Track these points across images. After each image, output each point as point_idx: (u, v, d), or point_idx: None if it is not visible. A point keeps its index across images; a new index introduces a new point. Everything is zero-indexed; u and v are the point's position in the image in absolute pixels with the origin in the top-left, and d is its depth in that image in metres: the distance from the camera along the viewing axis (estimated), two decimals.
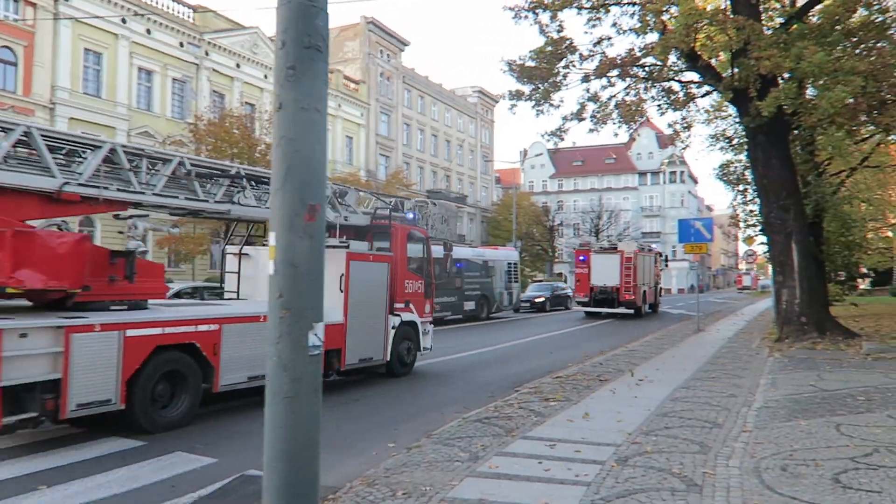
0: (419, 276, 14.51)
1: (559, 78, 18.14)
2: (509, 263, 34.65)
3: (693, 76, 19.07)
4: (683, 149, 19.78)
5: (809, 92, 16.82)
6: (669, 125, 19.48)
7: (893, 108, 15.77)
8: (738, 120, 23.64)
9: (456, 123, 74.59)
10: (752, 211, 23.65)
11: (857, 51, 15.78)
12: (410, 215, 15.05)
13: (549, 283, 47.48)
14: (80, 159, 9.22)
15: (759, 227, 21.09)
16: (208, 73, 41.59)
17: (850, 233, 23.50)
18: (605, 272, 33.64)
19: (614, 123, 17.85)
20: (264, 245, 13.18)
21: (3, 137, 8.41)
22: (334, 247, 12.27)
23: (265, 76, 45.11)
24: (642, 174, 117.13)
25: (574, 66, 18.16)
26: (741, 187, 23.83)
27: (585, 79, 18.18)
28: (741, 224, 25.60)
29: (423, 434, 8.67)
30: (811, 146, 21.03)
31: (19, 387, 7.53)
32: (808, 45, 14.46)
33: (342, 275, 12.19)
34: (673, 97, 18.10)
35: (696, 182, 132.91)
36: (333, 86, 52.43)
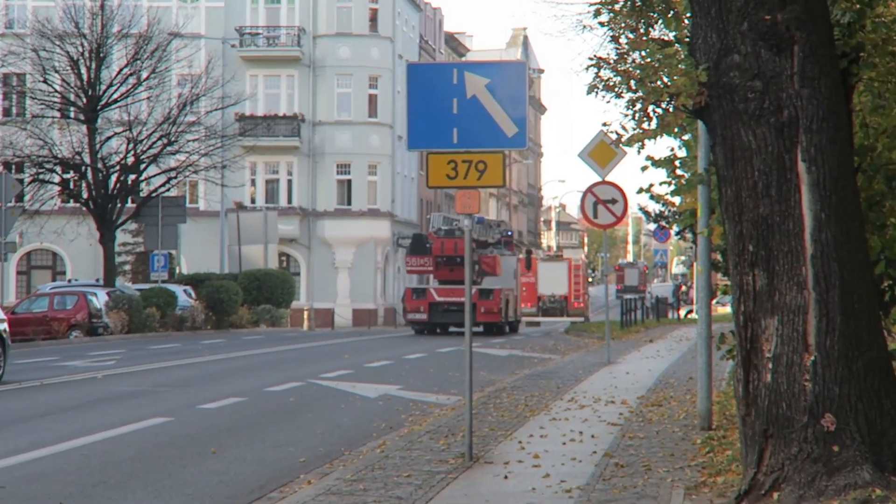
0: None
1: None
2: None
3: None
4: None
5: None
6: None
7: None
8: None
9: None
10: (675, 52, 9.73)
11: None
12: (510, 232, 43.71)
13: None
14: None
15: (688, 107, 8.11)
16: None
17: None
18: (554, 281, 46.81)
19: None
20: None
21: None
22: (511, 255, 40.24)
23: None
24: None
25: None
26: None
27: None
28: (625, 89, 11.32)
29: None
30: None
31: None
32: None
33: (516, 269, 39.74)
34: None
35: None
36: None
